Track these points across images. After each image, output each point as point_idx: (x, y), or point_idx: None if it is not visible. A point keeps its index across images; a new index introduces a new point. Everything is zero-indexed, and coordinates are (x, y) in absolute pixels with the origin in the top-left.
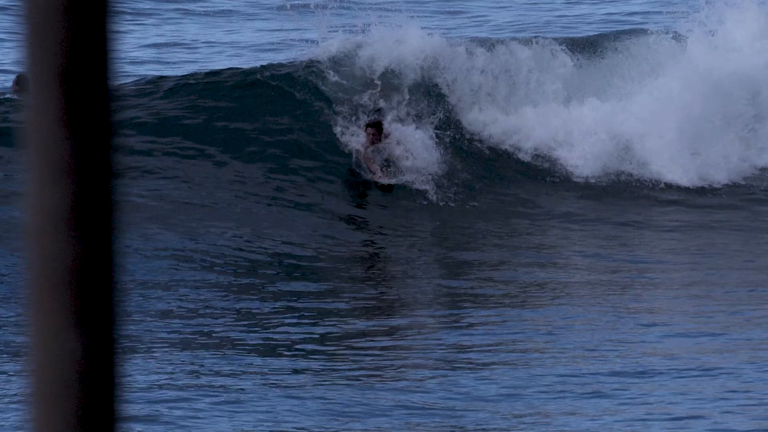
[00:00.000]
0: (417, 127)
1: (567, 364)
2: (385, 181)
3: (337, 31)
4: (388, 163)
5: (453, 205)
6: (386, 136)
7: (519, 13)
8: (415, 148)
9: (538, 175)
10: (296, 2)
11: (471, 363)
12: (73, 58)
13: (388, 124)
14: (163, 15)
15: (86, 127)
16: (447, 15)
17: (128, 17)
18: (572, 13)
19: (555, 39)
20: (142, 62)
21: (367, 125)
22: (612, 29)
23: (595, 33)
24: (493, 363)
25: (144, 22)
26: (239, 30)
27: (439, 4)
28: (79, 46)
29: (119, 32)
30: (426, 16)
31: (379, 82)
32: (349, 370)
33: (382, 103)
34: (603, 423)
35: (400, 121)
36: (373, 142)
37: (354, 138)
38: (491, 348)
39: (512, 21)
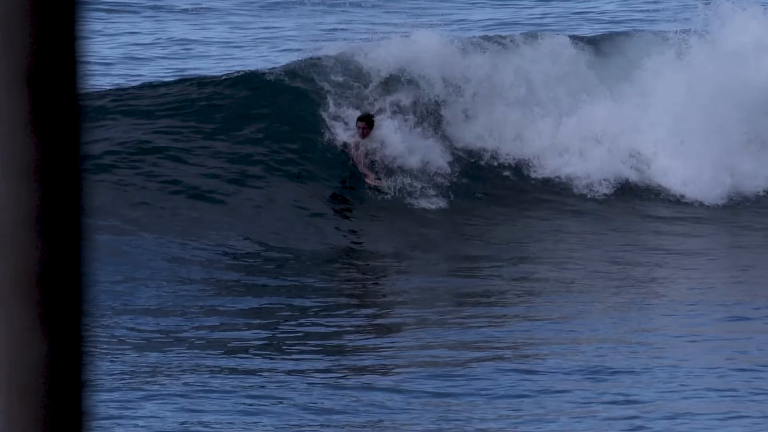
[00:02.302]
0: (411, 130)
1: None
2: (376, 183)
3: (334, 32)
4: (374, 164)
5: (449, 208)
6: (375, 129)
7: (522, 13)
8: (408, 150)
9: (550, 190)
10: (295, 4)
11: (468, 363)
12: (40, 58)
13: (379, 121)
14: (159, 16)
15: (54, 129)
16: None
17: (121, 16)
18: (577, 12)
19: (562, 39)
20: (136, 63)
21: (358, 119)
22: (632, 32)
23: (605, 33)
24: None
25: (136, 21)
26: (232, 31)
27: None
28: (46, 46)
29: (90, 32)
30: (427, 18)
31: (374, 86)
32: (329, 369)
33: (376, 106)
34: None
35: (395, 125)
36: (363, 136)
37: (346, 135)
38: (490, 349)
39: (517, 22)
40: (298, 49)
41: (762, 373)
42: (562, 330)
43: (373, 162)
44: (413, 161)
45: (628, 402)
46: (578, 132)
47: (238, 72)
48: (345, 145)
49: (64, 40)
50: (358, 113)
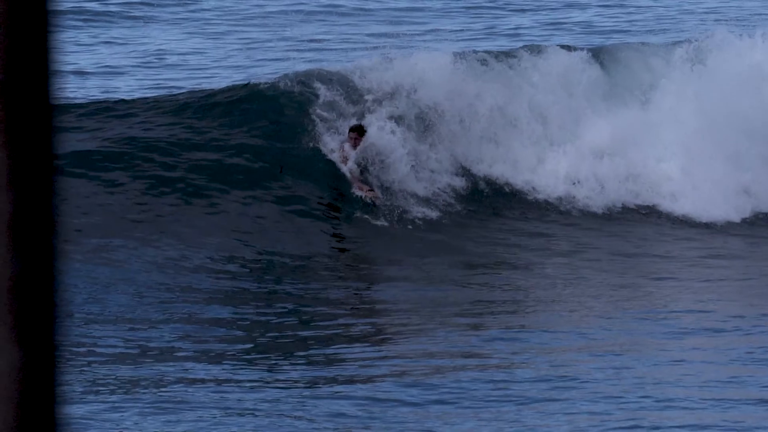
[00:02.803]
0: (408, 142)
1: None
2: (370, 194)
3: (315, 42)
4: (366, 174)
5: (439, 219)
6: (367, 139)
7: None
8: (402, 162)
9: (556, 206)
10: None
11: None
12: (13, 69)
13: (379, 132)
14: (136, 27)
15: (26, 139)
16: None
17: (97, 27)
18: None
19: (567, 53)
20: (112, 74)
21: (350, 129)
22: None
23: (604, 45)
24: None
25: (112, 32)
26: (210, 41)
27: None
28: (19, 57)
29: (64, 43)
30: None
31: (370, 99)
32: (301, 379)
33: (370, 119)
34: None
35: (391, 136)
36: (355, 146)
37: (338, 147)
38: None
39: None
40: (284, 59)
41: (729, 384)
42: (532, 339)
43: (364, 172)
44: (407, 172)
45: (592, 413)
46: (585, 152)
47: (234, 84)
48: (336, 155)
49: (38, 51)
50: (350, 124)
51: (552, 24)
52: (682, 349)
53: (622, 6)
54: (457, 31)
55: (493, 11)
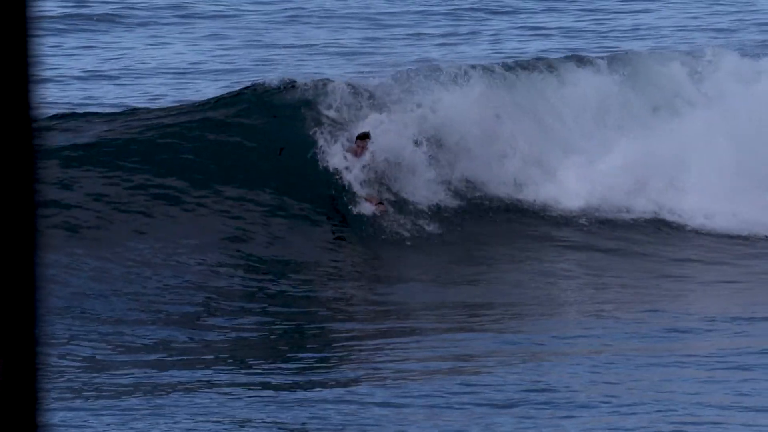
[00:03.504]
0: (426, 168)
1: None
2: (378, 207)
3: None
4: (372, 182)
5: (439, 230)
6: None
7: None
8: (413, 173)
9: (567, 218)
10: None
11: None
12: None
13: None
14: (120, 34)
15: (7, 144)
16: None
17: (79, 34)
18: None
19: (582, 67)
20: (94, 80)
21: (357, 137)
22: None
23: (617, 53)
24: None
25: (94, 38)
26: (190, 48)
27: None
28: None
29: (45, 49)
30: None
31: (377, 109)
32: (276, 383)
33: (374, 122)
34: None
35: (401, 148)
36: (359, 153)
37: (343, 157)
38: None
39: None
40: (271, 63)
41: (703, 387)
42: (510, 344)
43: (372, 182)
44: (414, 178)
45: (569, 418)
46: (611, 168)
47: (237, 91)
48: (338, 159)
49: (17, 59)
50: (356, 133)
51: (533, 28)
52: (657, 354)
53: (601, 11)
54: (440, 35)
55: (473, 14)
